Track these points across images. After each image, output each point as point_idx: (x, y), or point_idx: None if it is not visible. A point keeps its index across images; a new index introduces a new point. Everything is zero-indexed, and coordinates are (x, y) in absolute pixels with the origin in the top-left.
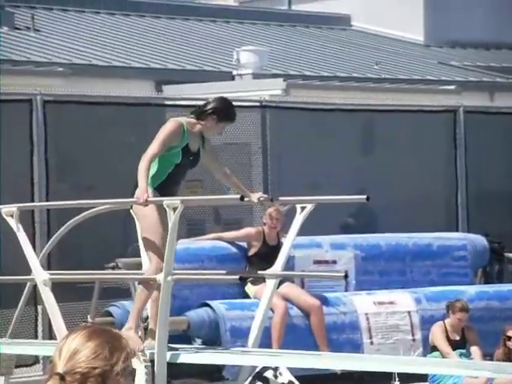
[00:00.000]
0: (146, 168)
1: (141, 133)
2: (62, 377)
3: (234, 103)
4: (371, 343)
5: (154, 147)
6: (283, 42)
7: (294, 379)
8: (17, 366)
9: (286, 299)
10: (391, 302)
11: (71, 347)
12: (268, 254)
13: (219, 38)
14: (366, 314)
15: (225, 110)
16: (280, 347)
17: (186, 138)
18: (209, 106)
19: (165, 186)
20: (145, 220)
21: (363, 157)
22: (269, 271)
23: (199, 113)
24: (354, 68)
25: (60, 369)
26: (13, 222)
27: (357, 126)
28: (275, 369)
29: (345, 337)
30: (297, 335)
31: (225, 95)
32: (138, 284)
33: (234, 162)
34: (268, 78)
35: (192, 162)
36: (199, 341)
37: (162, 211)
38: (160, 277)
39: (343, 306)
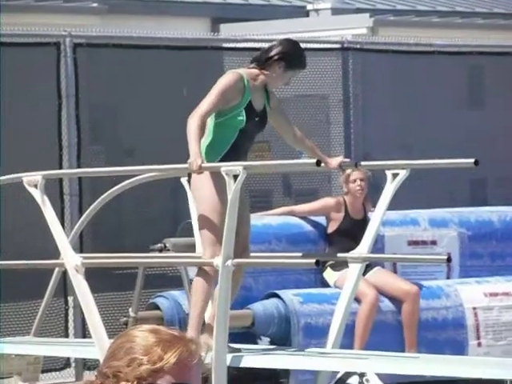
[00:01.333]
0: (196, 127)
1: (193, 83)
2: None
3: (309, 45)
4: (478, 345)
5: (206, 103)
6: None
7: None
8: (44, 371)
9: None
10: (506, 293)
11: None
12: (352, 231)
13: None
14: (474, 308)
15: (294, 55)
16: (363, 345)
17: (247, 94)
18: (274, 51)
19: (228, 158)
20: (199, 192)
21: (469, 111)
22: (353, 253)
23: (262, 60)
24: (457, 0)
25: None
26: (37, 194)
27: (461, 73)
28: (361, 374)
29: (445, 336)
30: (385, 334)
31: (297, 36)
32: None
33: (307, 119)
34: (351, 13)
35: (259, 124)
36: (266, 340)
37: (220, 181)
38: (218, 261)
39: (445, 297)
